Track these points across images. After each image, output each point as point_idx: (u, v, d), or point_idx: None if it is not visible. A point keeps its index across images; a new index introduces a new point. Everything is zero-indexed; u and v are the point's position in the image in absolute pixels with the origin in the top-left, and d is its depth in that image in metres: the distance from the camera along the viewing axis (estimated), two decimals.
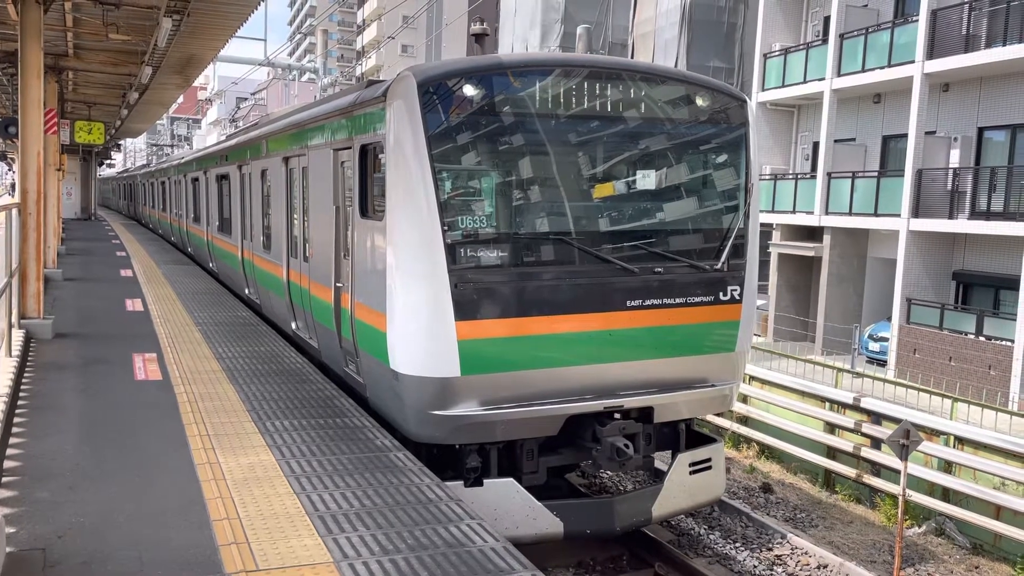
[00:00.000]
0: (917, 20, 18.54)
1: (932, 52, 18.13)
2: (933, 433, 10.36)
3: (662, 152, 7.36)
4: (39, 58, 10.17)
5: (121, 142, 49.16)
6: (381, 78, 8.41)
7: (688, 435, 7.92)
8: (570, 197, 6.95)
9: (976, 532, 9.96)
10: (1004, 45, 16.77)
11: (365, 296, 7.16)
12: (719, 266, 7.31)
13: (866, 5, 21.50)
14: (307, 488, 5.30)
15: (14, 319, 9.23)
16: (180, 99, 24.52)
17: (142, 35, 13.06)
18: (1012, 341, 16.01)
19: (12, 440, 6.01)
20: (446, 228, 6.32)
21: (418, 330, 6.45)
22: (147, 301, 12.76)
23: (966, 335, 17.36)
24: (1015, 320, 16.11)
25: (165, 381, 7.88)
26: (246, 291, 13.08)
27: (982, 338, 17.11)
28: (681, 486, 7.58)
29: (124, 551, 4.34)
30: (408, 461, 5.95)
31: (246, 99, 72.27)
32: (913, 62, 18.46)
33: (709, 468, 7.78)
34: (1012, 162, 17.73)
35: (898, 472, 9.46)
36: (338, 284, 7.99)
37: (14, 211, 9.34)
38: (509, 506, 6.72)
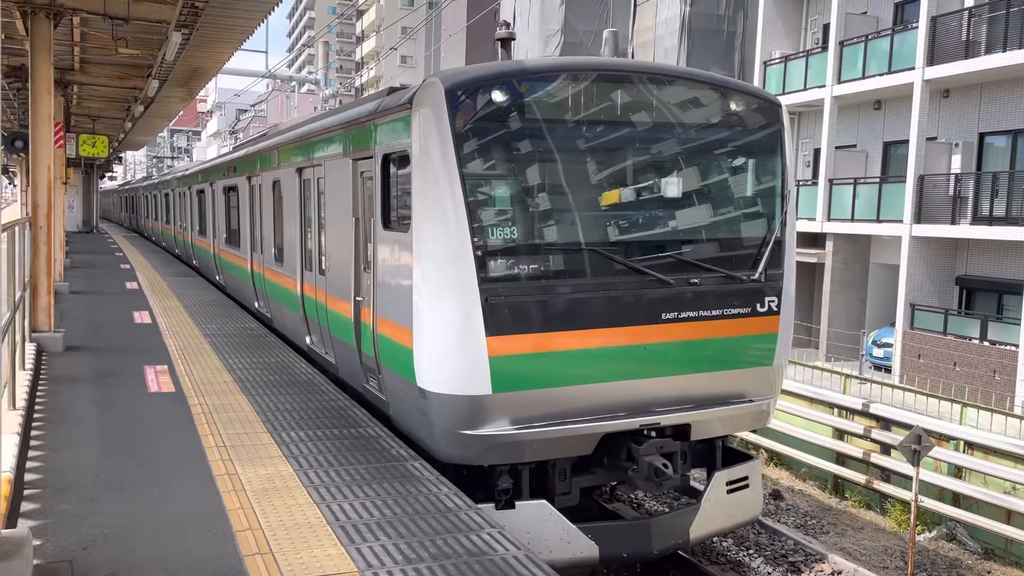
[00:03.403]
0: (917, 27, 18.64)
1: (932, 58, 18.23)
2: (943, 438, 10.37)
3: (697, 158, 7.12)
4: (49, 73, 10.24)
5: (122, 155, 49.29)
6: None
7: (723, 452, 7.65)
8: (604, 207, 6.70)
9: (987, 537, 9.96)
10: (1004, 51, 16.86)
11: (389, 311, 6.90)
12: (756, 276, 7.04)
13: (865, 12, 21.63)
14: (327, 498, 5.32)
15: (26, 332, 9.25)
16: (181, 111, 24.59)
17: (150, 49, 13.13)
18: (1017, 346, 16.04)
19: (31, 453, 6.04)
20: (476, 239, 6.06)
21: (447, 346, 6.17)
22: (154, 313, 12.79)
23: (970, 340, 17.38)
24: (1019, 325, 16.13)
25: (178, 393, 7.91)
26: (256, 304, 12.84)
27: (986, 343, 17.13)
28: (719, 506, 7.28)
29: (150, 563, 4.36)
30: (425, 471, 5.97)
31: (246, 111, 72.45)
32: (913, 68, 18.56)
33: (746, 486, 7.48)
34: (1014, 167, 17.80)
35: (907, 477, 9.47)
36: (358, 298, 7.75)
37: (25, 225, 9.38)
38: (542, 529, 6.43)
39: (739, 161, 7.36)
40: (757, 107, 7.27)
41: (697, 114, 7.07)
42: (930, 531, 10.41)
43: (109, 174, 48.95)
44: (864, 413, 11.40)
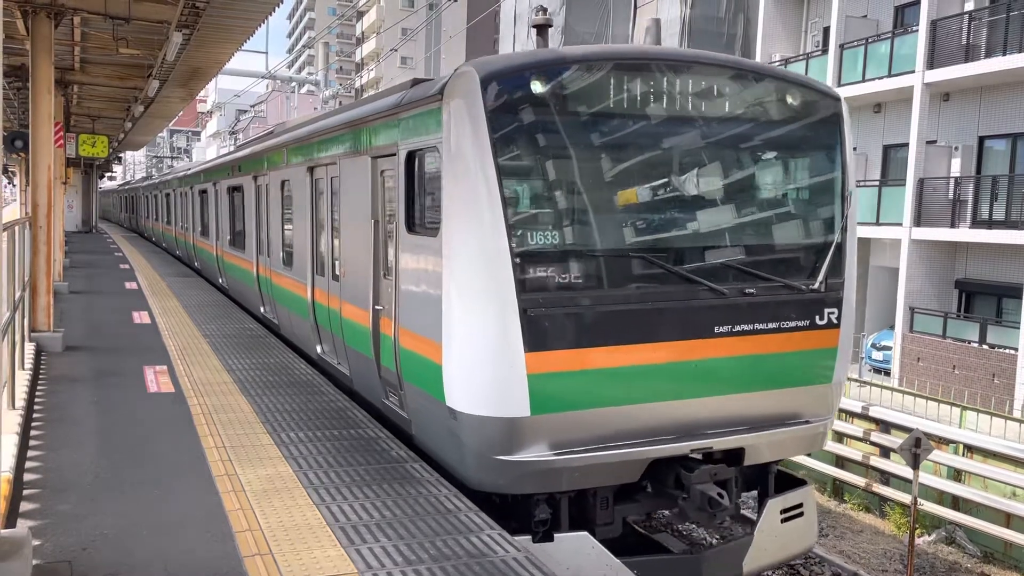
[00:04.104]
0: (917, 30, 18.67)
1: (932, 62, 18.26)
2: (942, 441, 10.38)
3: (756, 156, 6.58)
4: (50, 72, 10.24)
5: (122, 154, 49.32)
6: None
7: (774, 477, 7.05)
8: (653, 209, 6.15)
9: (986, 540, 9.97)
10: (1004, 55, 16.89)
11: (413, 322, 6.34)
12: (816, 286, 6.43)
13: (865, 16, 21.65)
14: (326, 499, 5.31)
15: (25, 332, 9.24)
16: (181, 111, 24.65)
17: (150, 49, 13.14)
18: (1016, 349, 16.04)
19: (30, 453, 6.03)
20: (514, 245, 5.45)
21: (481, 362, 5.58)
22: (154, 314, 12.78)
23: (969, 343, 17.40)
24: (1019, 328, 16.14)
25: (178, 393, 7.90)
26: (261, 309, 12.32)
27: (985, 346, 17.15)
28: (772, 536, 6.64)
29: (150, 564, 4.35)
30: (425, 472, 5.96)
31: (246, 111, 72.52)
32: (913, 72, 18.59)
33: (801, 515, 6.85)
34: (1013, 171, 17.83)
35: (907, 480, 9.48)
36: (377, 307, 7.18)
37: (25, 224, 9.38)
38: (583, 563, 5.85)
39: (798, 159, 6.82)
40: (816, 101, 6.69)
41: (756, 108, 6.47)
42: (929, 534, 10.42)
43: (108, 174, 48.99)
44: (863, 416, 11.41)
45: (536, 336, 5.50)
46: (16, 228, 8.81)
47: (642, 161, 6.15)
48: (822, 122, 6.69)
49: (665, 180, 6.22)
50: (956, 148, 18.76)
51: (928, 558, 9.79)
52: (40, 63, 10.18)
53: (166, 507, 5.11)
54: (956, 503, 10.22)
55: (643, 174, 6.16)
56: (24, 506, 5.05)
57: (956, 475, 10.29)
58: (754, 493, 7.20)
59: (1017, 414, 14.10)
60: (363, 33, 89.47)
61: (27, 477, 5.55)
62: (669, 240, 6.12)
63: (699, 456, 6.15)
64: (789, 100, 6.58)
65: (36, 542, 4.48)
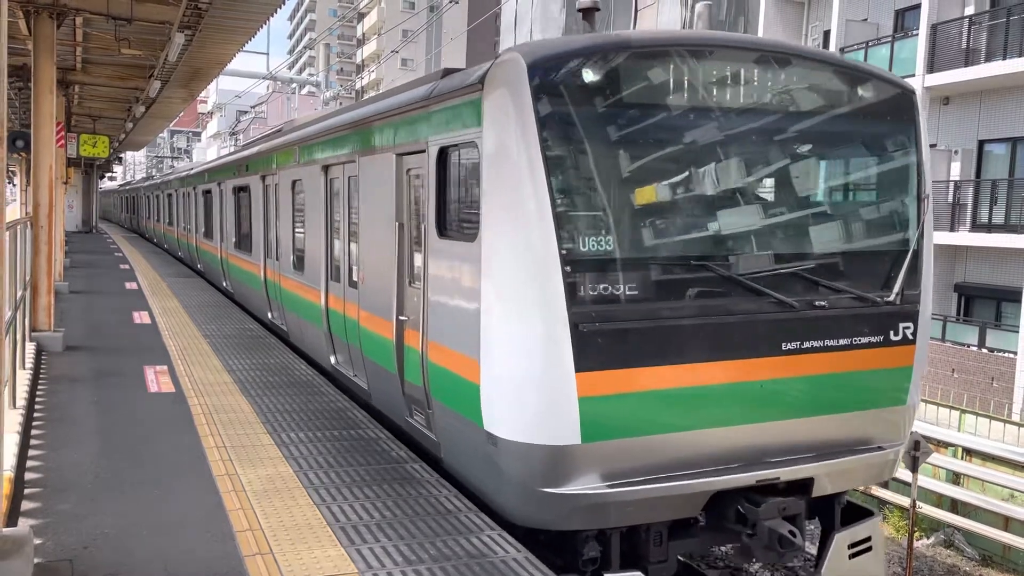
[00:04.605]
0: (917, 34, 18.72)
1: (932, 66, 18.30)
2: (941, 445, 10.40)
3: (827, 155, 6.07)
4: (52, 73, 10.27)
5: (122, 155, 49.37)
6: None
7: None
8: (716, 213, 5.56)
9: (985, 543, 9.99)
10: (1004, 59, 16.93)
11: (445, 335, 5.82)
12: (892, 298, 5.83)
13: (866, 19, 21.70)
14: (327, 499, 5.33)
15: (26, 331, 9.26)
16: (182, 112, 24.70)
17: (152, 49, 13.17)
18: (1015, 353, 16.07)
19: (31, 452, 6.04)
20: (564, 252, 4.87)
21: (525, 383, 5.01)
22: (154, 314, 12.80)
23: (968, 347, 17.43)
24: (1018, 332, 16.17)
25: (178, 393, 7.91)
26: (269, 315, 11.78)
27: (984, 350, 17.17)
28: (839, 574, 6.01)
29: (150, 563, 4.37)
30: (425, 473, 5.98)
31: (247, 112, 72.59)
32: (913, 75, 18.61)
33: (869, 549, 6.19)
34: (1013, 175, 17.87)
35: (906, 483, 9.49)
36: (401, 317, 6.67)
37: (26, 224, 9.40)
38: None
39: (874, 159, 6.23)
40: (891, 94, 6.06)
41: (830, 101, 5.87)
42: (928, 537, 10.43)
43: (109, 174, 49.06)
44: None
45: (588, 354, 4.91)
46: (17, 228, 8.83)
47: (704, 160, 5.61)
48: (898, 118, 6.10)
49: (733, 183, 5.66)
50: (956, 152, 18.80)
51: (927, 561, 9.81)
52: (42, 63, 10.20)
53: (166, 507, 5.13)
54: (955, 506, 10.23)
55: (707, 176, 5.62)
56: (25, 505, 5.07)
57: (955, 478, 10.31)
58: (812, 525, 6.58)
59: (1016, 418, 14.12)
60: (364, 35, 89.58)
61: (28, 476, 5.57)
62: (735, 247, 5.52)
63: (755, 484, 5.56)
64: (863, 93, 5.96)
65: (37, 541, 4.49)
